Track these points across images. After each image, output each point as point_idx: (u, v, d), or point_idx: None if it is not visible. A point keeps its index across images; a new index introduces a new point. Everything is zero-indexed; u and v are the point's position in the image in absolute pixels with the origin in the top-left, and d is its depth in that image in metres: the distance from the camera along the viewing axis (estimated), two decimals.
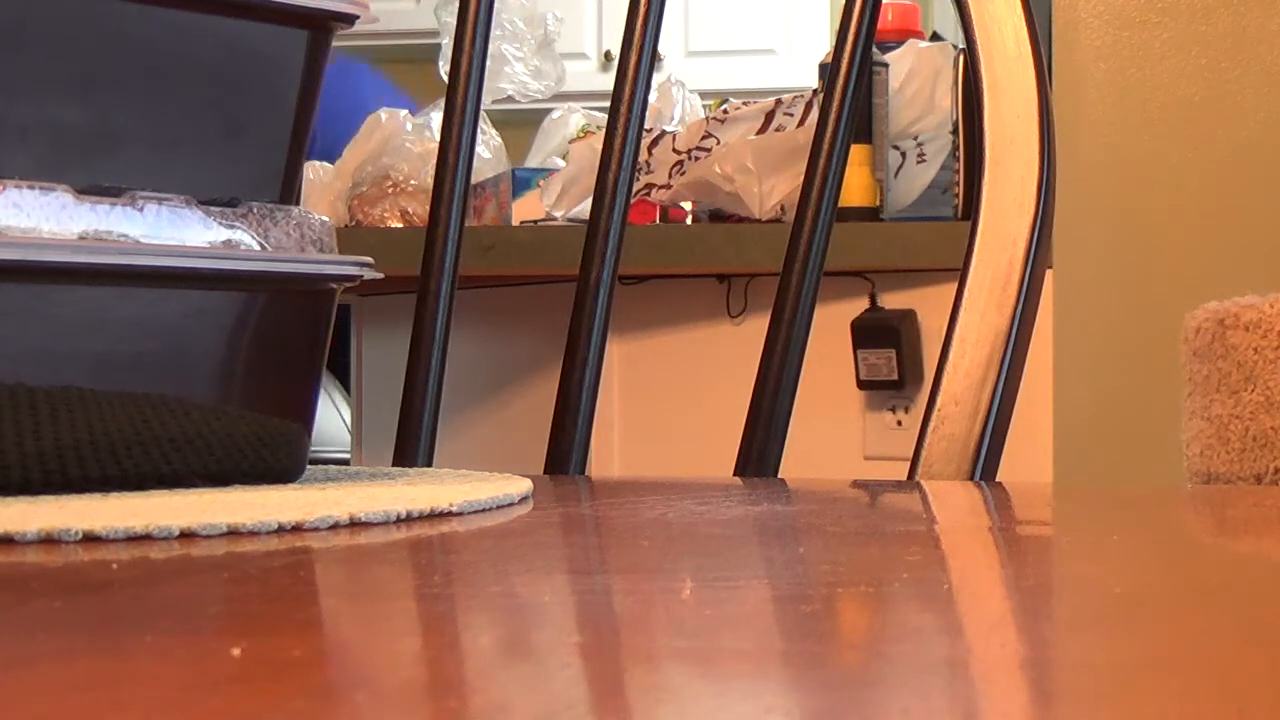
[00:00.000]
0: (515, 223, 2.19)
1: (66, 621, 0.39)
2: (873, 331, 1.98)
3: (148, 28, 0.68)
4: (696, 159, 2.03)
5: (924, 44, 2.06)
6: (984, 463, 0.84)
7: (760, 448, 0.91)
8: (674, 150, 2.05)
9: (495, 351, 2.28)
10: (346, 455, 2.79)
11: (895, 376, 1.96)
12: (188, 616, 0.40)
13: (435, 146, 1.10)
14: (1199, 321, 1.29)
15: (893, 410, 2.00)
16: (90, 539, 0.51)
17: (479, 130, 1.19)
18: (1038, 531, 0.65)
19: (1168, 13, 1.95)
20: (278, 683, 0.31)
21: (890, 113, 1.99)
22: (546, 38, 2.39)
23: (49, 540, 0.50)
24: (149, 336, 0.66)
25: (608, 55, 4.77)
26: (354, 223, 2.26)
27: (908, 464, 0.85)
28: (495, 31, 2.28)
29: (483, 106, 1.03)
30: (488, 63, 1.02)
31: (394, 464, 0.95)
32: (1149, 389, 1.89)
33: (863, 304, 2.00)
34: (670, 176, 2.05)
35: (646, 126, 1.79)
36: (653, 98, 2.03)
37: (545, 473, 0.94)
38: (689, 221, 2.15)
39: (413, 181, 2.25)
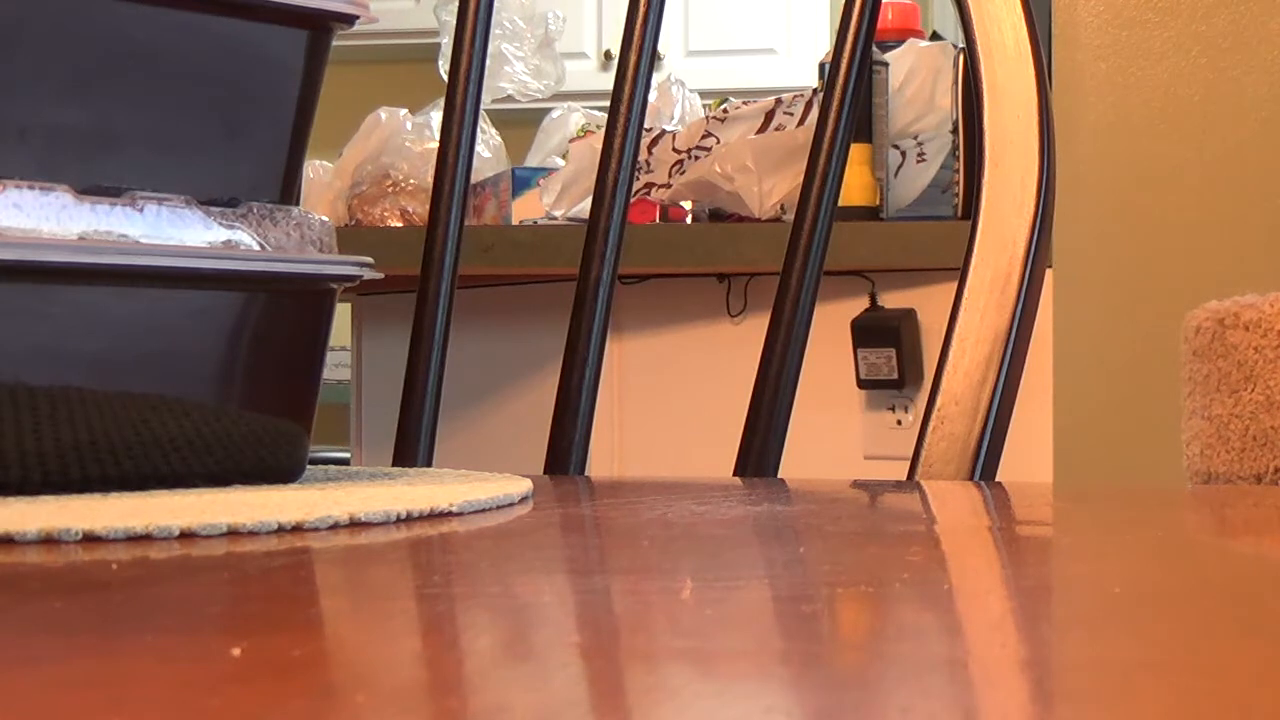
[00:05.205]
0: (515, 222, 2.19)
1: (66, 621, 0.39)
2: (873, 331, 1.98)
3: (147, 28, 0.68)
4: (696, 158, 2.03)
5: (924, 44, 2.06)
6: (984, 463, 0.84)
7: (760, 448, 0.91)
8: (674, 150, 2.05)
9: (495, 351, 2.28)
10: (346, 455, 2.79)
11: (895, 376, 1.96)
12: (188, 616, 0.40)
13: (435, 146, 1.10)
14: (1199, 321, 1.29)
15: (893, 410, 2.00)
16: (90, 539, 0.51)
17: (479, 130, 1.19)
18: (1038, 531, 0.65)
19: (1168, 13, 1.95)
20: (278, 683, 0.31)
21: (890, 112, 1.99)
22: (547, 37, 2.39)
23: (49, 540, 0.50)
24: (149, 336, 0.66)
25: (608, 55, 4.77)
26: (354, 222, 2.26)
27: (908, 464, 0.85)
28: (495, 31, 2.28)
29: (483, 106, 1.03)
30: (488, 62, 1.02)
31: (394, 464, 0.95)
32: (1149, 389, 1.89)
33: (863, 304, 2.00)
34: (670, 176, 2.05)
35: (646, 126, 1.79)
36: (653, 97, 2.03)
37: (545, 473, 0.94)
38: (689, 221, 2.15)
39: (413, 181, 2.25)
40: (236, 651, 0.34)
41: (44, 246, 0.62)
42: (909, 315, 1.97)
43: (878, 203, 1.98)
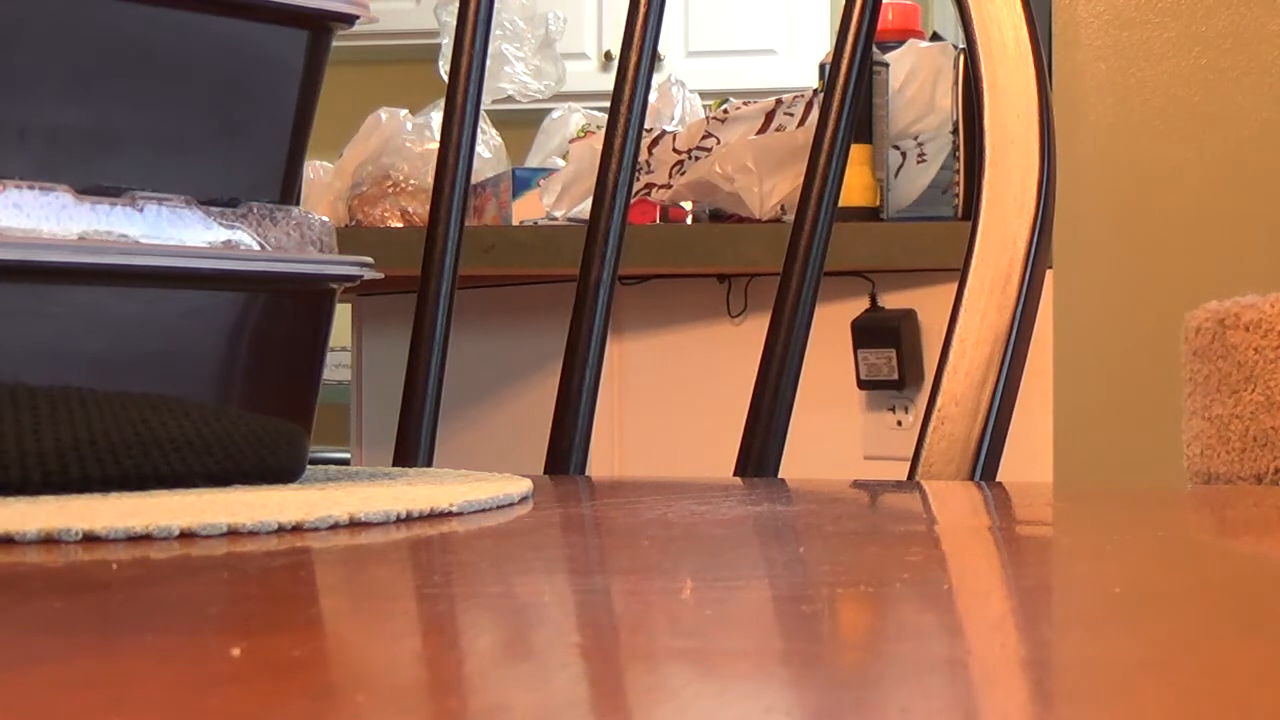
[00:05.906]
0: (515, 223, 2.19)
1: (66, 621, 0.39)
2: (873, 331, 1.98)
3: (147, 28, 0.68)
4: (697, 159, 2.03)
5: (924, 44, 2.06)
6: (984, 463, 0.84)
7: (760, 448, 0.91)
8: (674, 150, 2.05)
9: (495, 351, 2.28)
10: (346, 455, 2.79)
11: (895, 376, 1.96)
12: (188, 616, 0.40)
13: (435, 147, 1.10)
14: (1199, 321, 1.29)
15: (893, 410, 2.00)
16: (90, 539, 0.51)
17: (479, 130, 1.19)
18: (1038, 531, 0.65)
19: (1168, 13, 1.95)
20: (278, 683, 0.31)
21: (890, 113, 1.99)
22: (547, 38, 2.39)
23: (49, 540, 0.50)
24: (149, 336, 0.66)
25: (608, 55, 4.78)
26: (354, 223, 2.26)
27: (908, 464, 0.85)
28: (495, 31, 2.28)
29: (483, 106, 1.03)
30: (488, 63, 1.02)
31: (394, 464, 0.95)
32: (1149, 389, 1.89)
33: (863, 304, 2.00)
34: (670, 176, 2.05)
35: (646, 126, 1.79)
36: (653, 98, 2.03)
37: (545, 473, 0.94)
38: (689, 221, 2.15)
39: (413, 181, 2.25)
40: (236, 651, 0.34)
41: (44, 246, 0.62)
42: (909, 316, 1.97)
43: (878, 203, 1.98)
